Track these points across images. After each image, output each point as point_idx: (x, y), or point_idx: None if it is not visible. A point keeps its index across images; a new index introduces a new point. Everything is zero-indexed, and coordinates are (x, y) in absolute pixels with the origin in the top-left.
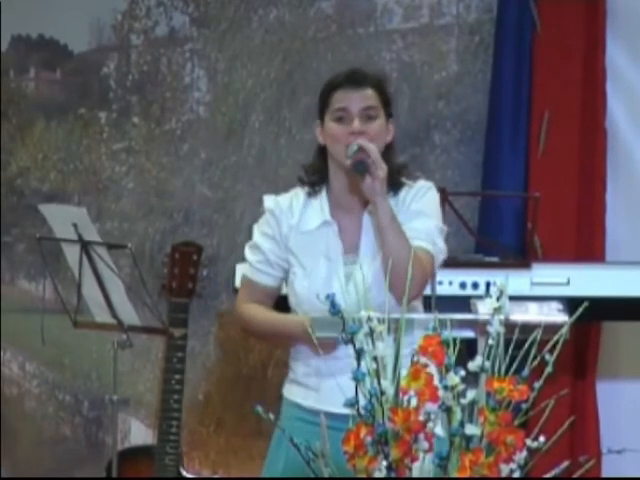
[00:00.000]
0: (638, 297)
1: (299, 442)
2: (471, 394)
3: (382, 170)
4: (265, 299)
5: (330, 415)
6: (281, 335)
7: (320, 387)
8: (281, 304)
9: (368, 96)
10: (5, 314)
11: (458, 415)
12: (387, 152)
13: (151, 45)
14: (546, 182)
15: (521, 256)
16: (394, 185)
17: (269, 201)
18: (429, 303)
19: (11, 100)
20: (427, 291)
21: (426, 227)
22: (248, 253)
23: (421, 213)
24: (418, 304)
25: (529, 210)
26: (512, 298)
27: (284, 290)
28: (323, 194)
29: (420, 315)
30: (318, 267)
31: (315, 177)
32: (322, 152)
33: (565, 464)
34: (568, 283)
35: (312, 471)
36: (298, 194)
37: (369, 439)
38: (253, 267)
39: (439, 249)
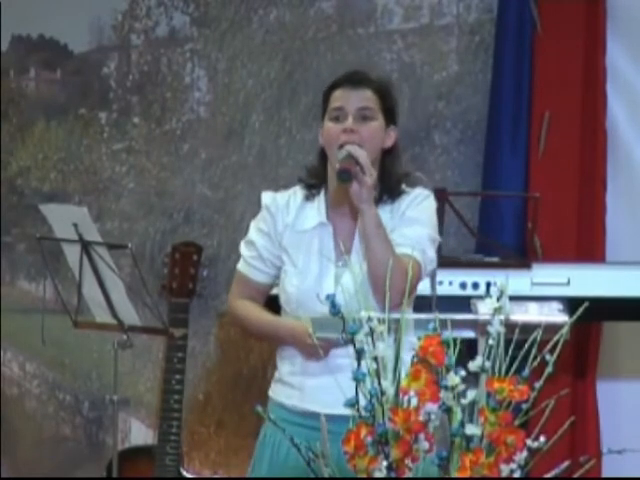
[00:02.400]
0: (638, 297)
1: (281, 443)
2: (471, 394)
3: (370, 177)
4: (257, 295)
5: (313, 415)
6: (271, 338)
7: (304, 386)
8: (271, 303)
9: (365, 97)
10: (5, 314)
11: (458, 415)
12: (388, 160)
13: (151, 45)
14: (546, 182)
15: (521, 256)
16: (393, 194)
17: (267, 198)
18: (429, 303)
19: (11, 100)
20: (426, 292)
21: (417, 235)
22: (243, 248)
23: (415, 221)
24: (408, 310)
25: (529, 210)
26: (512, 298)
27: (275, 290)
28: (321, 195)
29: (420, 315)
30: (309, 267)
31: (314, 180)
32: (323, 154)
33: (565, 464)
34: (568, 283)
35: (312, 471)
36: (297, 193)
37: (369, 439)
38: (247, 262)
39: (428, 258)
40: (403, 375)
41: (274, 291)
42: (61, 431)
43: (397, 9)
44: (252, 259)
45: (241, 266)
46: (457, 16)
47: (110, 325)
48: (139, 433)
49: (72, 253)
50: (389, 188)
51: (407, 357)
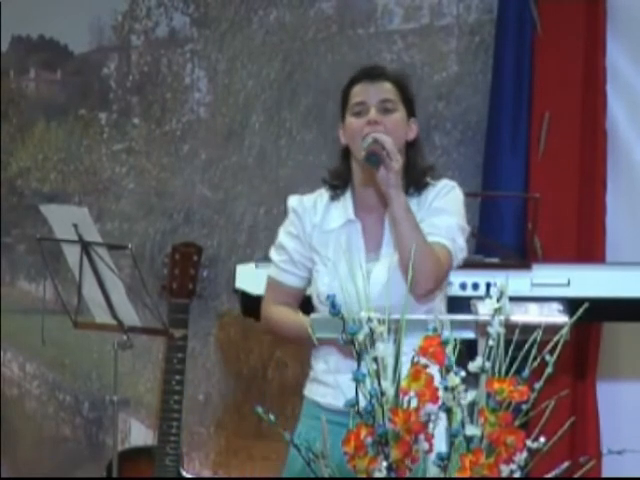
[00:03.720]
0: (638, 298)
1: (315, 441)
2: (471, 395)
3: (397, 162)
4: (290, 300)
5: (348, 413)
6: (305, 338)
7: (338, 384)
8: (305, 306)
9: (386, 89)
10: (5, 315)
11: (458, 416)
12: (411, 152)
13: (151, 46)
14: (546, 183)
15: (521, 257)
16: (419, 186)
17: (293, 200)
18: None
19: (11, 100)
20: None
21: (446, 224)
22: (273, 254)
23: (442, 210)
24: (441, 305)
25: (529, 211)
26: (512, 299)
27: (308, 291)
28: (347, 195)
29: (420, 316)
30: (340, 265)
31: (338, 181)
32: (345, 154)
33: (565, 465)
34: (568, 284)
35: (312, 472)
36: (322, 194)
37: (369, 440)
38: (278, 267)
39: (459, 247)
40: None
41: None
42: (61, 431)
43: (397, 9)
44: (283, 263)
45: (272, 272)
46: (457, 16)
47: (110, 325)
48: (139, 433)
49: (72, 254)
50: (415, 180)
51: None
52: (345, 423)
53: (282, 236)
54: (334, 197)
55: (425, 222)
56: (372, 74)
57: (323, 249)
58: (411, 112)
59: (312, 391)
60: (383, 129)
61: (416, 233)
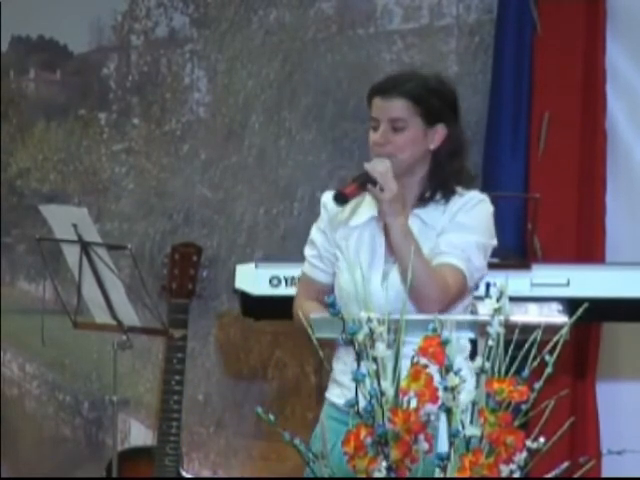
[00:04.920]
0: (638, 298)
1: (332, 441)
2: (471, 395)
3: (389, 191)
4: (320, 296)
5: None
6: None
7: (353, 385)
8: None
9: (396, 107)
10: (5, 315)
11: (458, 416)
12: (436, 159)
13: (151, 46)
14: (546, 183)
15: (521, 257)
16: (446, 192)
17: (325, 196)
18: None
19: (11, 101)
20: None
21: (464, 242)
22: (306, 249)
23: (464, 227)
24: (465, 314)
25: (529, 211)
26: (512, 299)
27: None
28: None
29: (420, 316)
30: (359, 261)
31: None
32: None
33: (565, 465)
34: (568, 284)
35: (312, 471)
36: None
37: (369, 440)
38: (309, 262)
39: (474, 267)
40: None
41: None
42: (61, 432)
43: (397, 10)
44: (313, 258)
45: (304, 267)
46: (457, 17)
47: (110, 326)
48: (139, 434)
49: (72, 254)
50: (440, 185)
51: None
52: None
53: (313, 231)
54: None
55: (443, 238)
56: (383, 90)
57: (346, 245)
58: (436, 119)
59: (330, 392)
60: (392, 148)
61: (416, 259)
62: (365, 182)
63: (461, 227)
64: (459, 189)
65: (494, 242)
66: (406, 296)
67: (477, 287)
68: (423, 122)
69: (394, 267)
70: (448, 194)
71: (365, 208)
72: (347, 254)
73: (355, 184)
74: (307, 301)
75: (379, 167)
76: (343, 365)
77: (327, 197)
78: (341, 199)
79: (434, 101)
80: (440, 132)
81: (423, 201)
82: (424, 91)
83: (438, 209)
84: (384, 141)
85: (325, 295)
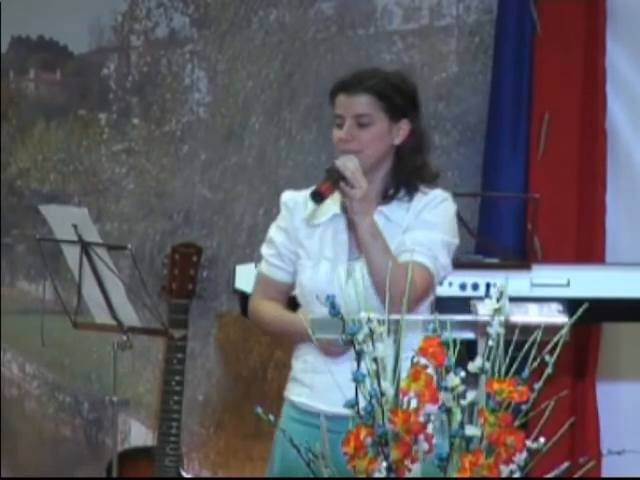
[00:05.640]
0: (638, 298)
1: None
2: (471, 395)
3: (359, 189)
4: (278, 295)
5: (320, 414)
6: (291, 334)
7: (314, 384)
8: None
9: (360, 103)
10: (5, 315)
11: (458, 416)
12: (400, 154)
13: (151, 46)
14: (546, 183)
15: (521, 257)
16: (409, 188)
17: (285, 195)
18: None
19: (11, 101)
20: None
21: (430, 240)
22: (263, 248)
23: (430, 225)
24: (427, 313)
25: (529, 211)
26: (512, 299)
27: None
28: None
29: (419, 316)
30: (323, 259)
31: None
32: None
33: (565, 465)
34: (568, 284)
35: (312, 472)
36: None
37: (369, 440)
38: (267, 261)
39: (440, 265)
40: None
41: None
42: (61, 432)
43: (397, 10)
44: (272, 257)
45: (262, 267)
46: (457, 17)
47: (110, 326)
48: (139, 434)
49: (72, 254)
50: (404, 181)
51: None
52: (317, 424)
53: (272, 230)
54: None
55: (409, 235)
56: (348, 86)
57: (308, 242)
58: (401, 114)
59: (290, 390)
60: (357, 145)
61: (383, 256)
62: (337, 180)
63: (427, 225)
64: (422, 187)
65: (457, 241)
66: (371, 293)
67: (441, 283)
68: (387, 118)
69: (358, 264)
70: (412, 191)
71: (327, 206)
72: (310, 252)
73: (329, 182)
74: (264, 300)
75: (349, 164)
76: (303, 363)
77: (287, 196)
78: (318, 198)
79: (397, 97)
80: (404, 128)
81: (387, 198)
82: (388, 87)
83: (402, 206)
84: (350, 137)
85: (282, 294)
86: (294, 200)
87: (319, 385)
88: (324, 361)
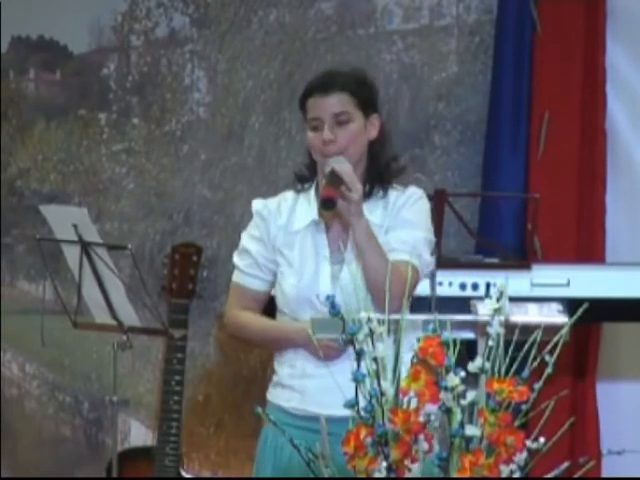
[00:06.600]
0: (638, 298)
1: (283, 446)
2: (471, 395)
3: (356, 192)
4: (254, 305)
5: (314, 417)
6: (277, 342)
7: (305, 388)
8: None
9: (338, 101)
10: (5, 315)
11: (458, 416)
12: (373, 148)
13: (151, 46)
14: (546, 183)
15: (521, 257)
16: (383, 183)
17: (257, 204)
18: (429, 304)
19: (11, 101)
20: (426, 292)
21: (413, 239)
22: (236, 259)
23: (410, 223)
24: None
25: (529, 211)
26: (512, 299)
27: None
28: (311, 194)
29: (419, 316)
30: (305, 265)
31: (307, 173)
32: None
33: (565, 465)
34: (568, 284)
35: (312, 472)
36: (286, 197)
37: (369, 440)
38: (242, 272)
39: (425, 262)
40: (403, 375)
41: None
42: (61, 432)
43: (397, 10)
44: (247, 267)
45: (236, 277)
46: (457, 17)
47: (110, 326)
48: (139, 434)
49: (72, 254)
50: (378, 175)
51: (407, 357)
52: (310, 427)
53: (245, 240)
54: (300, 191)
55: (392, 235)
56: (323, 86)
57: (288, 250)
58: (371, 110)
59: (276, 396)
60: (339, 145)
61: (380, 258)
62: (338, 184)
63: (408, 224)
64: (394, 184)
65: (434, 238)
66: (360, 294)
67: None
68: (362, 114)
69: (344, 267)
70: (386, 187)
71: (303, 212)
72: (291, 259)
73: (333, 187)
74: (243, 311)
75: (345, 167)
76: (291, 369)
77: (258, 205)
78: (330, 204)
79: (367, 92)
80: (375, 122)
81: (365, 196)
82: (358, 83)
83: (378, 204)
84: (334, 137)
85: (258, 303)
86: (267, 208)
87: (311, 389)
88: (315, 365)
